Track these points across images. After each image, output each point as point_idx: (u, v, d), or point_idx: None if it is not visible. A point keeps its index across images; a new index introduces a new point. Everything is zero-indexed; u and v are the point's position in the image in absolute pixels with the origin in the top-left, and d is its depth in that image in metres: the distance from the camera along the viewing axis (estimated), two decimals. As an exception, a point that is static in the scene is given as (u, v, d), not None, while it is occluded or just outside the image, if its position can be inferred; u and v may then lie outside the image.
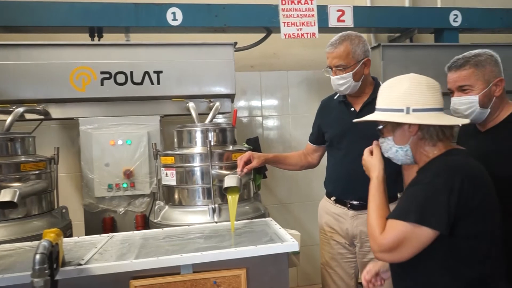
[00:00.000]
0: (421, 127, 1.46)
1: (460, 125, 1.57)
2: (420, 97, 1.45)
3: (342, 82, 2.10)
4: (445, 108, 1.77)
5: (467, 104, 1.76)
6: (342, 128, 2.16)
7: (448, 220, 1.32)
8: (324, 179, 2.36)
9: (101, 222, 2.68)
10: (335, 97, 2.30)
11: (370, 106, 2.00)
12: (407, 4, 3.91)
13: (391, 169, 1.84)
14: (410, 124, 1.46)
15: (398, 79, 1.53)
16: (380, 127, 1.54)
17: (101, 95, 2.71)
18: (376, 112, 1.56)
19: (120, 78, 2.72)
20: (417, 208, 1.34)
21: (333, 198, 2.25)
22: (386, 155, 1.59)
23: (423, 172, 1.48)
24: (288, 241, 1.72)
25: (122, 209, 2.71)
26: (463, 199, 1.32)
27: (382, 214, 1.46)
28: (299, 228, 3.00)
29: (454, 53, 1.84)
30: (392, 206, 1.49)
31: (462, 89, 1.78)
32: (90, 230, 2.65)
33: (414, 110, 1.44)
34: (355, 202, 2.14)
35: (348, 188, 2.15)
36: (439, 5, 3.92)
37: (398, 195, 2.06)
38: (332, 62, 2.11)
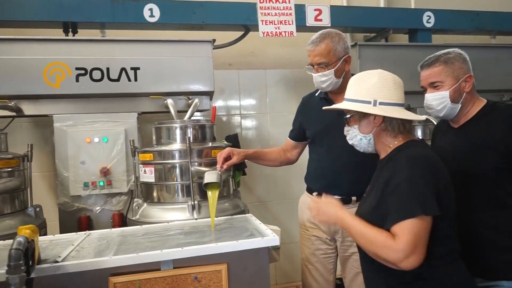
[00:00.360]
0: (385, 119, 1.57)
1: (419, 121, 1.65)
2: (387, 92, 1.56)
3: (324, 79, 2.12)
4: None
5: (439, 100, 1.82)
6: (324, 125, 2.18)
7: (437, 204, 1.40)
8: (305, 175, 2.37)
9: (76, 222, 2.62)
10: (316, 94, 2.32)
11: None
12: (382, 5, 3.99)
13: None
14: (375, 116, 1.56)
15: (367, 73, 1.63)
16: (348, 116, 1.64)
17: (76, 92, 2.66)
18: (345, 102, 1.64)
19: (96, 75, 2.68)
20: (414, 202, 1.37)
21: (315, 194, 2.26)
22: (350, 143, 1.69)
23: (387, 163, 1.56)
24: (268, 236, 1.73)
25: (99, 207, 2.66)
26: (434, 184, 1.42)
27: (375, 229, 1.44)
28: (278, 226, 3.00)
29: (428, 53, 1.90)
30: None
31: (434, 86, 1.85)
32: (65, 229, 2.58)
33: (381, 103, 1.55)
34: (338, 197, 2.15)
35: (331, 183, 2.17)
36: (413, 6, 4.02)
37: None
38: (314, 59, 2.13)
